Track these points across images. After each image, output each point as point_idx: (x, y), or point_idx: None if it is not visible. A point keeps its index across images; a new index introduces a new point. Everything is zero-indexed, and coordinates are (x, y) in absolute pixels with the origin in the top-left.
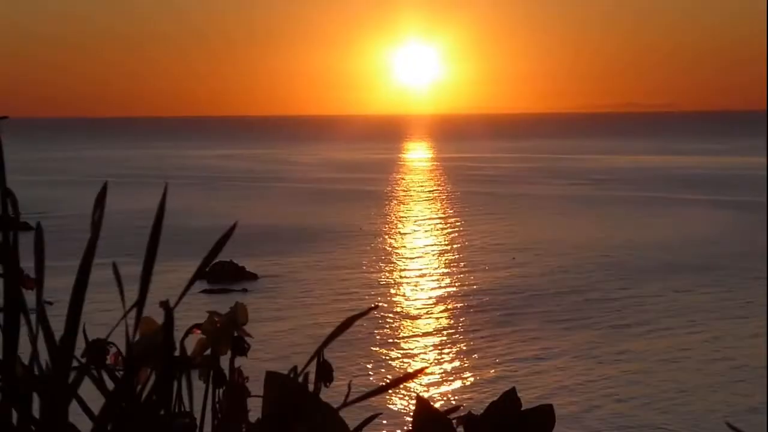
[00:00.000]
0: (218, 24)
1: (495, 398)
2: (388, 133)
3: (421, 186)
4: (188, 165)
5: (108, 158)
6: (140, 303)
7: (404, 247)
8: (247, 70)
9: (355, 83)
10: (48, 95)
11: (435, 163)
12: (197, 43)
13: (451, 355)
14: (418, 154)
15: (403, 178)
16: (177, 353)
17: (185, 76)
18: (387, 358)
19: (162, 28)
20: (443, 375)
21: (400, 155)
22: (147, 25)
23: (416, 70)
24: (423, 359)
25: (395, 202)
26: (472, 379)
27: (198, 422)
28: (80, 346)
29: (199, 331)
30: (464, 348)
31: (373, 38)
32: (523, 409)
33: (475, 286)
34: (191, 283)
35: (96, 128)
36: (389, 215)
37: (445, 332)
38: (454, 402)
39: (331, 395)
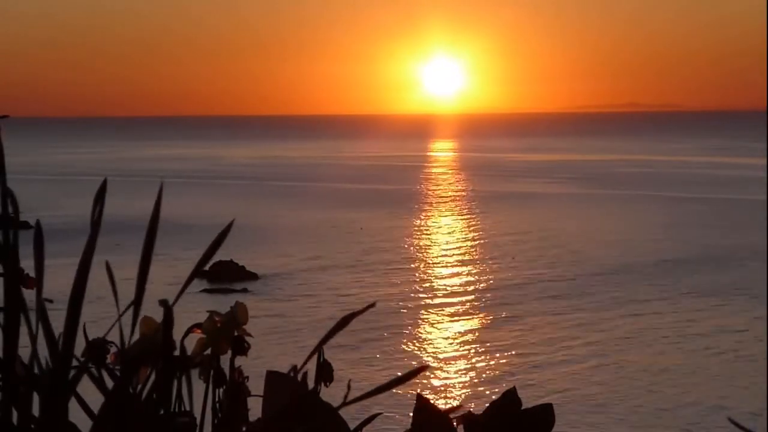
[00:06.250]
0: (272, 32)
1: (495, 396)
2: (402, 132)
3: (421, 185)
4: (196, 165)
5: (120, 157)
6: (137, 302)
7: (403, 245)
8: (289, 75)
9: (387, 90)
10: (60, 95)
11: (434, 162)
12: (255, 50)
13: (451, 352)
14: (421, 153)
15: (402, 178)
16: (177, 352)
17: (240, 78)
18: (386, 356)
19: (224, 35)
20: (444, 373)
21: (401, 154)
22: (208, 27)
23: (442, 80)
24: (422, 357)
25: (394, 201)
26: (472, 376)
27: (198, 422)
28: (81, 345)
29: (199, 331)
30: (464, 346)
31: (403, 52)
32: (523, 408)
33: (473, 284)
34: (190, 279)
35: (144, 127)
36: (388, 214)
37: (444, 330)
38: (454, 400)
39: (331, 394)
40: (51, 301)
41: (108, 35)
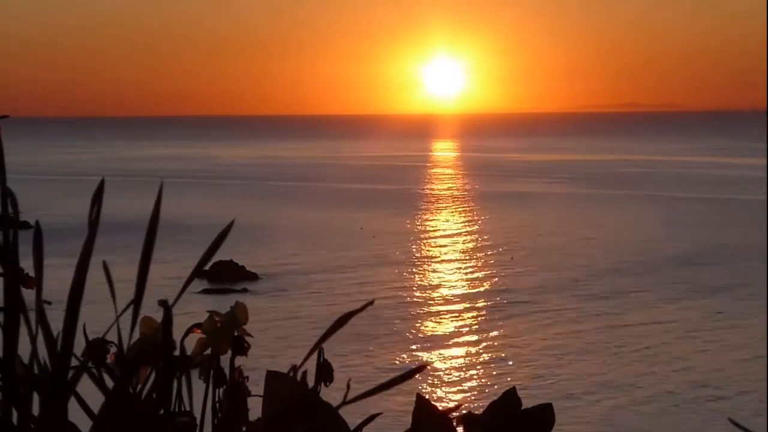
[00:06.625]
0: (272, 32)
1: (495, 396)
2: (403, 132)
3: (421, 185)
4: (198, 164)
5: (120, 157)
6: (137, 302)
7: (402, 245)
8: (289, 75)
9: (388, 90)
10: (60, 95)
11: (435, 162)
12: (255, 50)
13: (450, 351)
14: (422, 153)
15: (402, 178)
16: (177, 352)
17: (243, 79)
18: (386, 355)
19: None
20: (444, 372)
21: (402, 154)
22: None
23: (443, 80)
24: (422, 356)
25: (394, 201)
26: (469, 375)
27: (198, 422)
28: (81, 345)
29: (199, 331)
30: (464, 345)
31: (404, 52)
32: (523, 408)
33: (471, 283)
34: (190, 280)
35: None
36: (388, 215)
37: (443, 329)
38: (454, 400)
39: (331, 394)
40: (49, 303)
41: (108, 35)
